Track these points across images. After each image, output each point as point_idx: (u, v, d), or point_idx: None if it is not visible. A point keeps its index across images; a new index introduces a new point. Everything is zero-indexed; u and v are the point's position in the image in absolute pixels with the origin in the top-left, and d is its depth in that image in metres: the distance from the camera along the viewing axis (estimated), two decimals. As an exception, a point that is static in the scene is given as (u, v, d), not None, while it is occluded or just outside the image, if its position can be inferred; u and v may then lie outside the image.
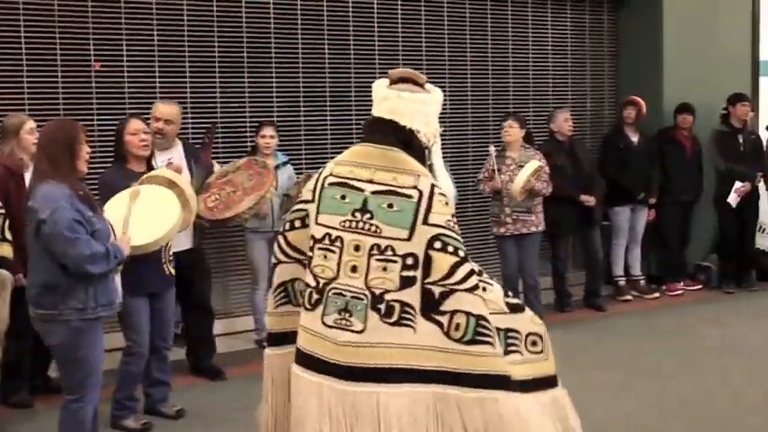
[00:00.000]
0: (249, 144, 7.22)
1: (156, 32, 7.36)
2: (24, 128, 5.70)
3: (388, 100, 3.49)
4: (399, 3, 8.51)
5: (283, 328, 3.56)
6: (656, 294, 9.09)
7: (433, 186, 3.35)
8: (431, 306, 3.23)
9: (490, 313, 3.28)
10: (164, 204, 4.83)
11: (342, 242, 3.31)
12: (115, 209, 4.65)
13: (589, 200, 8.32)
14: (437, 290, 3.24)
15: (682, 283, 9.32)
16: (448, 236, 3.29)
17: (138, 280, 4.93)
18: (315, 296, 3.33)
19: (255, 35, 7.83)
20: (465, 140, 9.02)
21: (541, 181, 7.61)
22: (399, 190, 3.32)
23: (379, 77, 3.68)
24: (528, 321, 3.45)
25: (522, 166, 7.54)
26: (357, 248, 3.29)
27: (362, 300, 3.26)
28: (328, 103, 8.22)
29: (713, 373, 6.46)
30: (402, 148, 3.41)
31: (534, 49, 9.44)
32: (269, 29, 7.88)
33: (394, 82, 3.54)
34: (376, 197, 3.33)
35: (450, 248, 3.27)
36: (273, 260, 3.63)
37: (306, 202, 3.51)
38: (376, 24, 8.40)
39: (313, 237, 3.39)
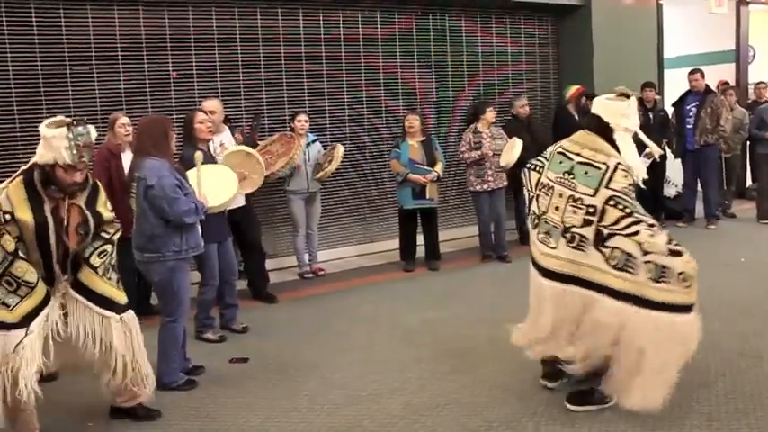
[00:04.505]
0: (289, 127, 7.03)
1: (216, 46, 7.21)
2: (117, 122, 5.63)
3: (600, 105, 3.85)
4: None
5: None
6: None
7: (617, 164, 3.64)
8: (600, 241, 3.56)
9: (651, 253, 3.47)
10: (224, 178, 4.81)
11: (553, 190, 3.72)
12: (190, 179, 4.57)
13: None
14: (606, 231, 3.55)
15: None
16: (621, 198, 3.56)
17: (210, 231, 4.85)
18: (536, 220, 3.81)
19: (290, 43, 7.65)
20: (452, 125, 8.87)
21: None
22: (594, 163, 3.66)
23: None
24: (682, 263, 3.48)
25: (494, 139, 7.37)
26: (560, 196, 3.68)
27: (558, 228, 3.67)
28: (345, 95, 8.04)
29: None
30: (600, 135, 3.75)
31: (498, 53, 9.20)
32: (299, 38, 7.69)
33: (617, 96, 3.85)
34: (579, 165, 3.68)
35: (620, 206, 3.55)
36: (530, 194, 3.97)
37: (544, 158, 3.91)
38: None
39: (540, 182, 3.83)
